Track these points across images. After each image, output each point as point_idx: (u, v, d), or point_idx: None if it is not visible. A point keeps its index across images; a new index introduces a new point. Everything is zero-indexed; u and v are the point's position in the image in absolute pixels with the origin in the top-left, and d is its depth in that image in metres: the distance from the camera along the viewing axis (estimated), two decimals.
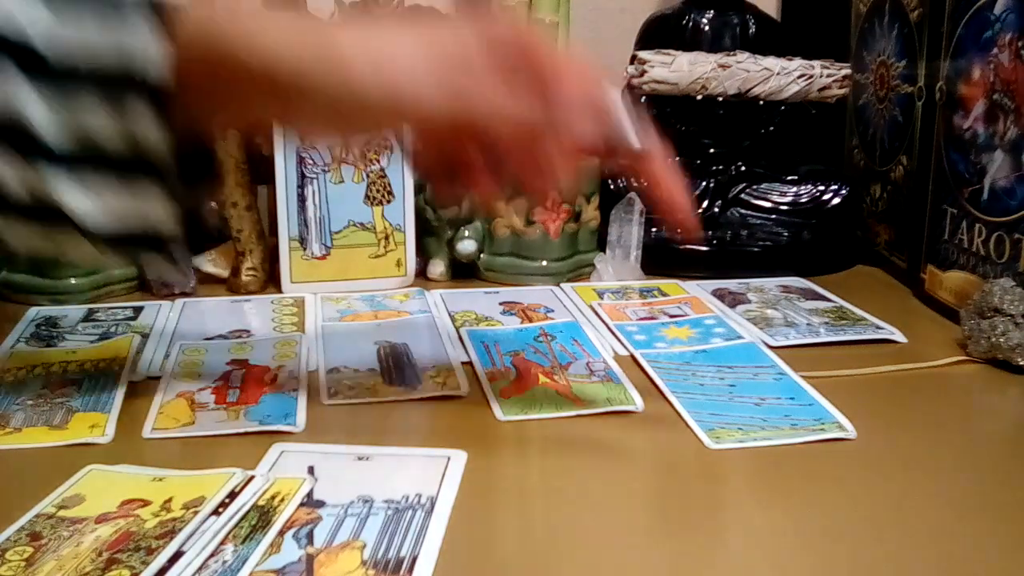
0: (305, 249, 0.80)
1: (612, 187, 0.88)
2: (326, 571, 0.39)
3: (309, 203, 0.80)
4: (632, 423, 0.55)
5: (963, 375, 0.64)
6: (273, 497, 0.44)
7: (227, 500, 0.43)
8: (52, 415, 0.54)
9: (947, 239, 0.76)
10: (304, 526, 0.42)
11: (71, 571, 0.38)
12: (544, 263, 0.84)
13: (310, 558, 0.39)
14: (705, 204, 0.89)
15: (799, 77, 0.90)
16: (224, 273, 0.82)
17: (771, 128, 0.92)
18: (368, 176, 0.81)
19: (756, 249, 0.88)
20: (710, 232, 0.88)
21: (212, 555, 0.39)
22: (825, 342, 0.68)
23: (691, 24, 0.95)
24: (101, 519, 0.42)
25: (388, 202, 0.81)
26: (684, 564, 0.41)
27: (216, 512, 0.42)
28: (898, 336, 0.69)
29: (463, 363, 0.63)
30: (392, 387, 0.59)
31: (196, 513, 0.42)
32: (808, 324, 0.71)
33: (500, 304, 0.77)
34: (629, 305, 0.76)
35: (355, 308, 0.76)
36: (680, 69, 0.89)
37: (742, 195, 0.90)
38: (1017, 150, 0.67)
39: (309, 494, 0.45)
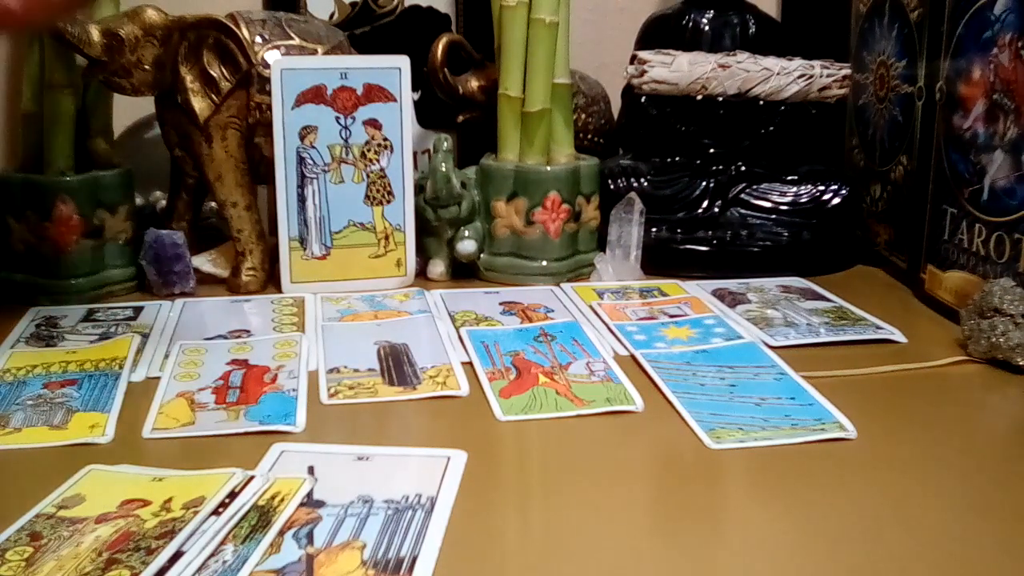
0: (305, 249, 0.80)
1: (612, 187, 0.88)
2: (326, 571, 0.39)
3: (309, 203, 0.80)
4: (632, 423, 0.55)
5: (963, 375, 0.64)
6: (273, 497, 0.44)
7: (227, 500, 0.43)
8: (52, 415, 0.54)
9: (947, 239, 0.76)
10: (304, 526, 0.42)
11: (71, 571, 0.38)
12: (544, 263, 0.84)
13: (310, 558, 0.39)
14: (705, 204, 0.89)
15: (799, 77, 0.90)
16: (224, 273, 0.82)
17: (771, 128, 0.92)
18: (368, 176, 0.81)
19: (756, 249, 0.88)
20: (710, 232, 0.88)
21: (212, 555, 0.39)
22: (825, 342, 0.68)
23: (691, 24, 0.95)
24: (101, 519, 0.42)
25: (388, 202, 0.81)
26: (684, 564, 0.41)
27: (216, 512, 0.42)
28: (898, 336, 0.69)
29: (463, 363, 0.63)
30: (392, 387, 0.59)
31: (196, 513, 0.42)
32: (808, 324, 0.71)
33: (500, 304, 0.77)
34: (629, 305, 0.76)
35: (355, 308, 0.76)
36: (680, 69, 0.89)
37: (742, 195, 0.90)
38: (1017, 150, 0.67)
39: (309, 494, 0.45)
